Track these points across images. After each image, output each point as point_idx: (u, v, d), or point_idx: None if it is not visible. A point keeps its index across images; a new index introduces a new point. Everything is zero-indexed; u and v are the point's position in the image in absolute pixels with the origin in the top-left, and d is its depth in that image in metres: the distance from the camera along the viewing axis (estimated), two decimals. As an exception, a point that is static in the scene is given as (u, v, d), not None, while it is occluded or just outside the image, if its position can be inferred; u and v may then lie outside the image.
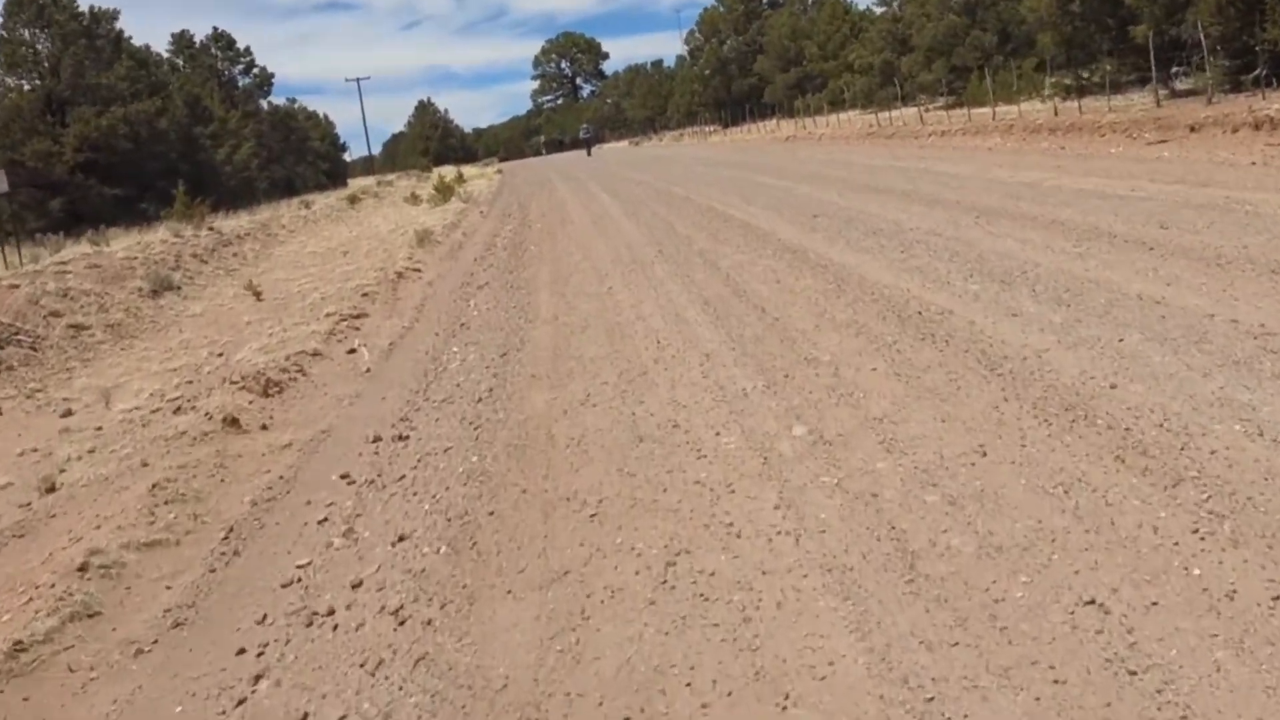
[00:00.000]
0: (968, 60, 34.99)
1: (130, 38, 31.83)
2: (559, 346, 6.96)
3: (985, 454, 3.66)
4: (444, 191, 26.91)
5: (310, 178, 55.65)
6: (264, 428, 7.06)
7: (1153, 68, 20.32)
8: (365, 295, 12.09)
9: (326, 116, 75.54)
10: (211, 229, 21.30)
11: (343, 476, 5.47)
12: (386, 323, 10.61)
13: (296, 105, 66.27)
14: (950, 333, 5.38)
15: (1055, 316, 5.31)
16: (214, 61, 39.66)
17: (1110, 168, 11.43)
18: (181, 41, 39.06)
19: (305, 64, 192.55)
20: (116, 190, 29.39)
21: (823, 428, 4.26)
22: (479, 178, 44.99)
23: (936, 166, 14.39)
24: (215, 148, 32.01)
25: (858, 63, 45.84)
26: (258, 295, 13.49)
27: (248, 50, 40.94)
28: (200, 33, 39.75)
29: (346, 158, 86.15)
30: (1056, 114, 23.23)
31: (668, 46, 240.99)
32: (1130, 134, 17.99)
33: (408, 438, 6.03)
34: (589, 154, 63.20)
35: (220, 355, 10.04)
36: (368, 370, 8.38)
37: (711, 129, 65.41)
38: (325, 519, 4.79)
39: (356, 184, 57.20)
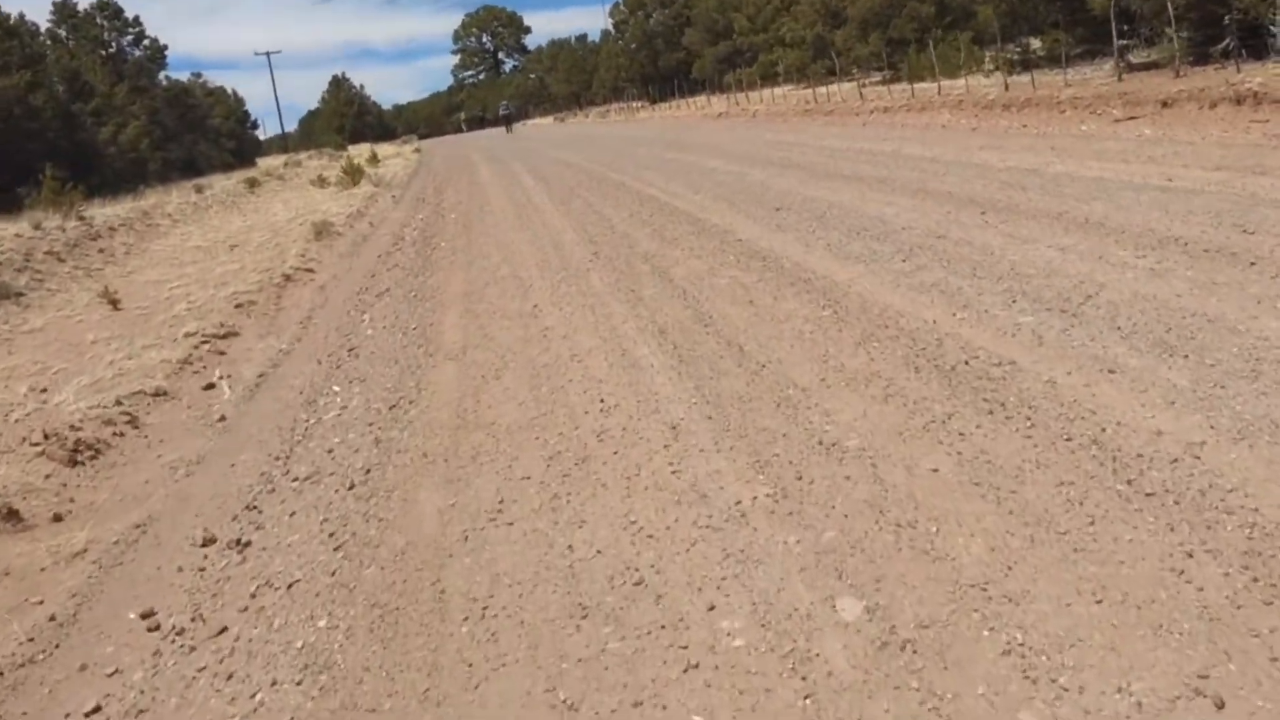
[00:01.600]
0: (905, 33, 33.66)
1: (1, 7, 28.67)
2: (465, 403, 5.13)
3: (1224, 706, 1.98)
4: (353, 174, 24.64)
5: (215, 157, 52.30)
6: (56, 518, 5.13)
7: (1113, 39, 19.06)
8: (241, 306, 10.10)
9: (235, 92, 71.73)
10: (82, 219, 18.78)
11: (145, 615, 3.65)
12: (261, 344, 8.66)
13: (200, 80, 62.63)
14: (1027, 400, 3.71)
15: (1178, 376, 3.68)
16: (99, 32, 36.34)
17: (1113, 150, 9.93)
18: (64, 11, 35.59)
19: (217, 37, 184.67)
20: (-17, 174, 26.38)
21: (888, 605, 2.55)
22: (395, 157, 42.45)
23: (906, 149, 12.79)
24: (99, 126, 29.08)
25: (789, 36, 44.35)
26: (115, 304, 11.30)
27: (137, 20, 37.68)
28: (86, 1, 36.47)
29: (260, 135, 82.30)
30: (1007, 89, 21.92)
31: (591, 21, 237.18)
32: (1094, 110, 16.68)
33: (248, 545, 4.21)
34: (509, 130, 62.14)
35: (43, 392, 7.95)
36: (222, 418, 6.47)
37: (639, 105, 63.48)
38: (97, 709, 3.00)
39: (266, 164, 53.95)
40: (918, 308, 5.18)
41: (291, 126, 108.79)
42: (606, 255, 8.56)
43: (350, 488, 4.50)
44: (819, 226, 8.09)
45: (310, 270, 12.44)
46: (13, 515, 5.00)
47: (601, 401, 4.64)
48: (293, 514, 4.45)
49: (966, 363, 4.22)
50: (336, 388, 6.52)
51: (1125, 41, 25.12)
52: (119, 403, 6.91)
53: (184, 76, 59.07)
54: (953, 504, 3.02)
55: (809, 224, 8.30)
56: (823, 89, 33.71)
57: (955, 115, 20.77)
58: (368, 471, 4.61)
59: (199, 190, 25.24)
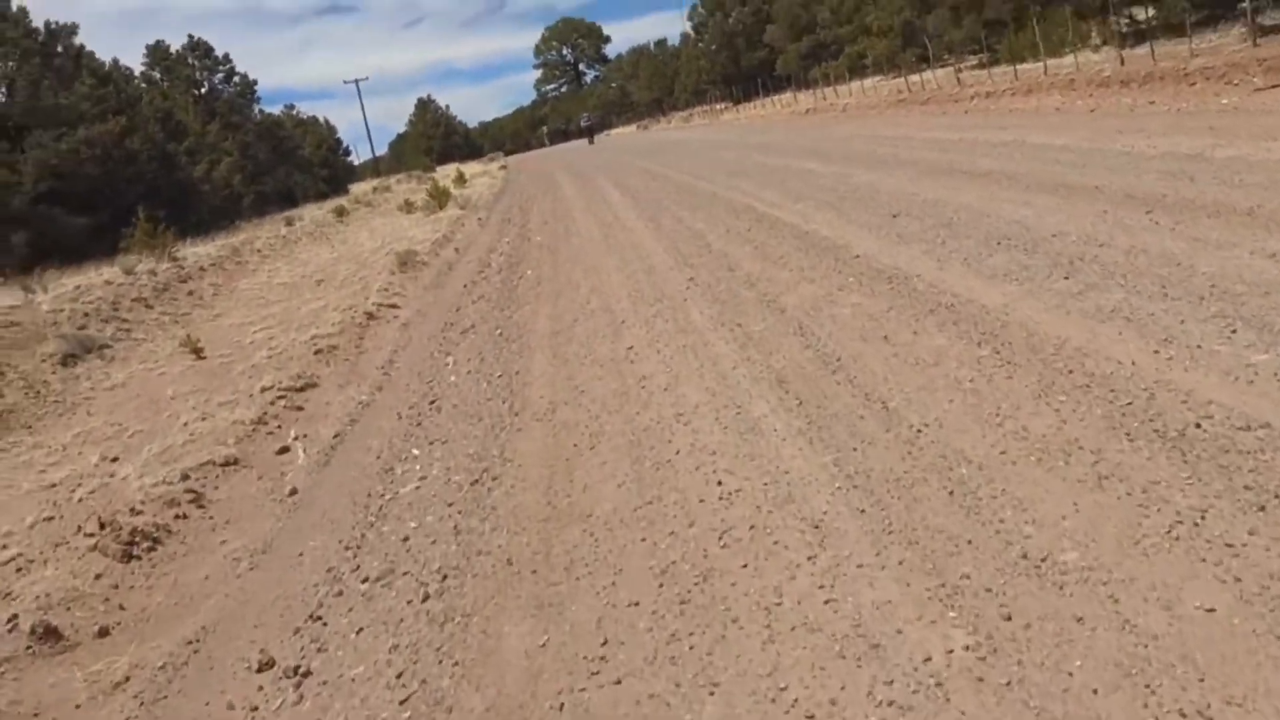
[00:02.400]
0: (1001, 13, 31.93)
1: (93, 52, 29.37)
2: (556, 482, 4.33)
3: None
4: (438, 198, 24.33)
5: (310, 186, 53.24)
6: (102, 633, 4.52)
7: (1246, -1, 17.35)
8: (321, 352, 9.57)
9: (327, 121, 73.36)
10: (174, 259, 18.82)
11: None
12: (340, 395, 8.06)
13: (293, 112, 64.02)
14: (1309, 488, 2.70)
15: None
16: (191, 72, 37.11)
17: None
18: (156, 54, 36.48)
19: (309, 70, 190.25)
20: (86, 219, 26.98)
21: None
22: (481, 175, 42.41)
23: (1029, 137, 11.57)
24: (193, 165, 29.53)
25: (876, 25, 42.78)
26: (198, 353, 10.92)
27: (226, 58, 38.38)
28: (178, 43, 37.24)
29: (355, 160, 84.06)
30: (1123, 63, 20.29)
31: (669, 28, 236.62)
32: (1230, 80, 15.12)
33: (307, 675, 3.48)
34: (591, 142, 62.57)
35: (113, 461, 7.47)
36: (293, 491, 5.83)
37: (722, 106, 62.45)
38: None
39: (358, 189, 54.75)
40: (1104, 343, 4.16)
41: (383, 150, 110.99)
42: (704, 281, 7.69)
43: (425, 600, 3.74)
44: (948, 235, 7.06)
45: (394, 305, 11.92)
46: (51, 634, 4.39)
47: (719, 484, 3.77)
48: (359, 631, 3.72)
49: (1198, 425, 3.22)
50: (416, 450, 5.82)
51: (1253, 2, 23.20)
52: (185, 477, 6.34)
53: (277, 110, 60.45)
54: (1257, 677, 2.06)
55: (935, 233, 7.27)
56: (915, 77, 32.18)
57: (1066, 96, 19.31)
58: (444, 578, 3.84)
59: (289, 223, 25.29)
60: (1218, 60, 16.77)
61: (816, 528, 3.23)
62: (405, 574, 4.11)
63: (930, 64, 35.42)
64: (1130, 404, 3.52)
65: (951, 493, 3.21)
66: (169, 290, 15.64)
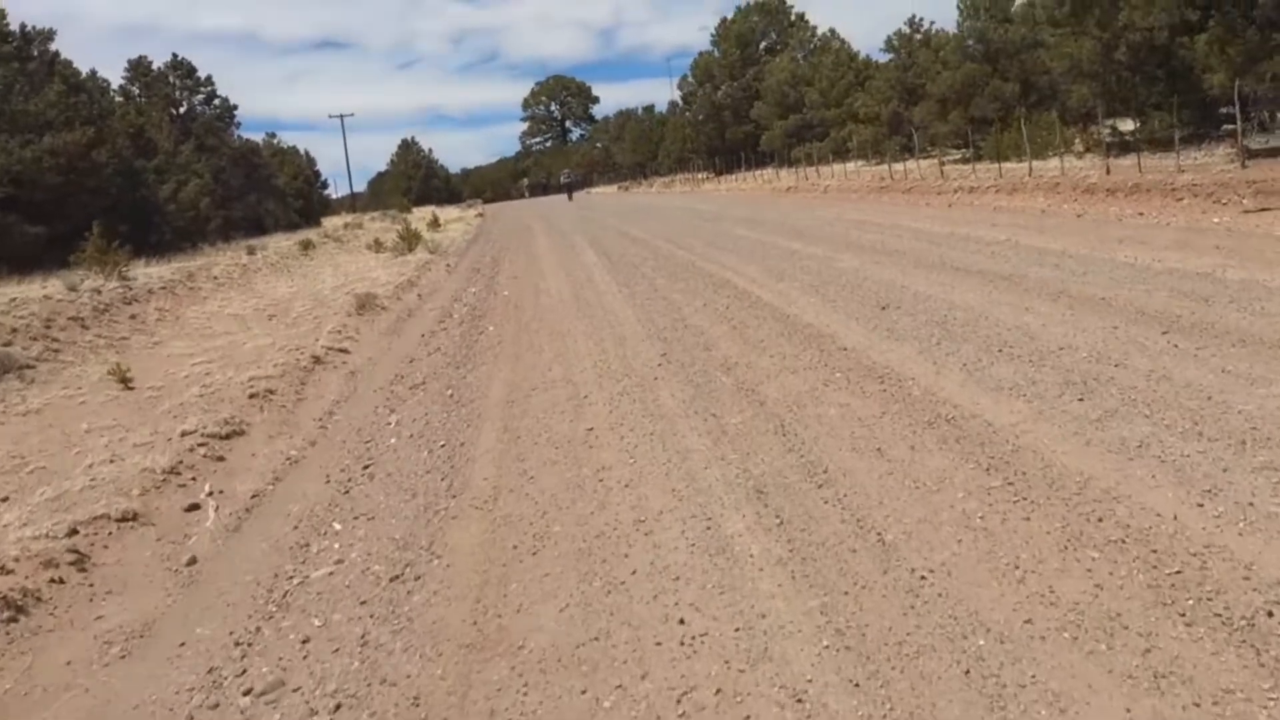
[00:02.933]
0: (987, 111, 32.28)
1: (70, 60, 28.64)
2: (486, 597, 3.65)
3: None
4: (409, 240, 23.72)
5: (282, 216, 52.40)
6: (-81, 737, 3.74)
7: (1238, 121, 17.38)
8: (257, 396, 8.82)
9: (307, 152, 72.67)
10: (124, 279, 17.97)
11: None
12: (268, 448, 7.33)
13: (273, 140, 63.38)
14: None
15: None
16: (170, 90, 36.44)
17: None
18: (138, 69, 35.81)
19: (298, 101, 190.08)
20: (42, 228, 26.00)
21: None
22: (457, 221, 41.95)
23: (1022, 237, 11.20)
24: (161, 183, 28.70)
25: (863, 111, 43.23)
26: (126, 383, 10.10)
27: (209, 80, 37.72)
28: (161, 60, 36.61)
29: (332, 194, 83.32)
30: (1109, 172, 20.28)
31: (658, 94, 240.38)
32: (1218, 199, 14.99)
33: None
34: (570, 198, 62.78)
35: (2, 502, 6.67)
36: (191, 561, 5.11)
37: (704, 176, 62.76)
38: None
39: (331, 223, 54.00)
40: (1137, 487, 3.60)
41: (363, 186, 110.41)
42: (678, 359, 7.10)
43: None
44: (944, 336, 6.53)
45: (344, 350, 11.22)
46: None
47: (681, 622, 3.12)
48: (225, 772, 2.99)
49: (1270, 614, 2.63)
50: (338, 525, 5.12)
51: (1234, 126, 23.47)
52: (73, 531, 5.56)
53: (259, 137, 59.78)
54: None
55: (930, 331, 6.75)
56: (898, 166, 32.28)
57: (1052, 199, 19.21)
58: (337, 708, 3.13)
59: (251, 251, 24.52)
60: (1205, 178, 16.69)
61: (800, 702, 2.58)
62: (296, 690, 3.41)
63: (914, 154, 35.69)
64: (1179, 573, 2.93)
65: (968, 672, 2.59)
66: (110, 311, 14.79)
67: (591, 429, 5.65)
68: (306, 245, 25.79)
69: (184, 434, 7.62)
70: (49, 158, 25.18)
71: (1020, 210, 17.67)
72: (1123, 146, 25.83)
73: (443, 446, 6.19)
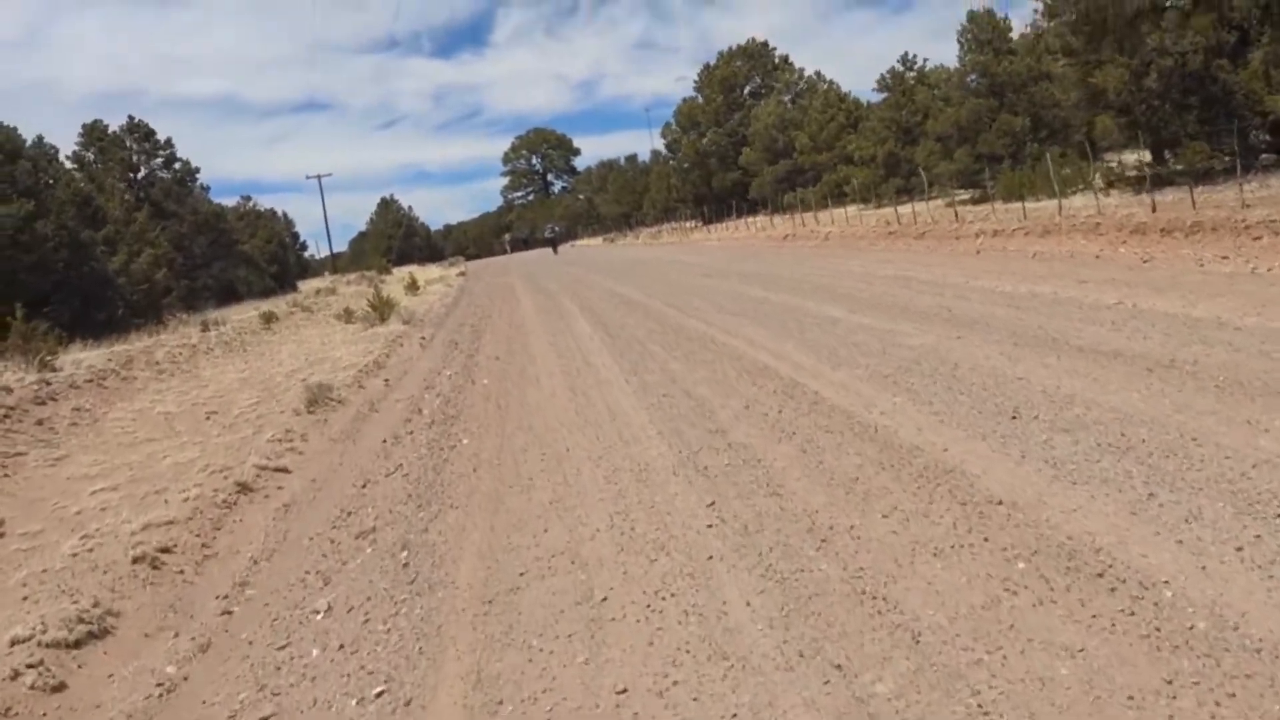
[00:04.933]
0: (996, 148, 30.40)
1: (15, 127, 26.44)
2: None
3: None
4: (380, 310, 21.42)
5: (255, 282, 50.24)
6: None
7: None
8: (143, 560, 6.44)
9: (285, 214, 70.89)
10: (48, 369, 15.58)
11: None
12: (132, 666, 4.98)
13: (251, 204, 61.45)
14: None
15: None
16: (127, 155, 34.18)
17: None
18: (92, 133, 33.56)
19: (279, 163, 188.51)
20: (-25, 310, 23.48)
21: None
22: (438, 281, 39.73)
23: (1132, 298, 8.93)
24: (111, 255, 26.41)
25: (858, 154, 41.47)
26: (-11, 531, 7.72)
27: (169, 142, 35.45)
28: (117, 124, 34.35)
29: (315, 255, 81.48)
30: (1155, 209, 18.17)
31: (638, 144, 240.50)
32: (1303, 237, 12.91)
33: None
34: (555, 252, 61.69)
35: None
36: None
37: (692, 225, 60.95)
38: None
39: (310, 286, 51.77)
40: None
41: (346, 246, 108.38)
42: (736, 515, 4.75)
43: None
44: (1151, 477, 4.22)
45: (283, 469, 8.85)
46: None
47: None
48: None
49: None
50: None
51: (1276, 155, 21.60)
52: None
53: (232, 201, 57.76)
54: None
55: (1120, 467, 4.44)
56: (905, 209, 30.27)
57: (1097, 242, 17.08)
58: None
59: (205, 328, 22.12)
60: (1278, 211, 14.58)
61: None
62: None
63: (914, 196, 33.84)
64: None
65: None
66: (13, 416, 12.35)
67: (625, 691, 3.28)
68: (269, 318, 23.45)
69: (13, 643, 5.21)
70: (-20, 232, 22.88)
71: (1069, 256, 15.52)
72: (1154, 181, 23.91)
73: (379, 694, 3.80)
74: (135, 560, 6.36)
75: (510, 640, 3.87)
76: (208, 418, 12.40)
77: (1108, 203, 22.08)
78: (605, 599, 4.08)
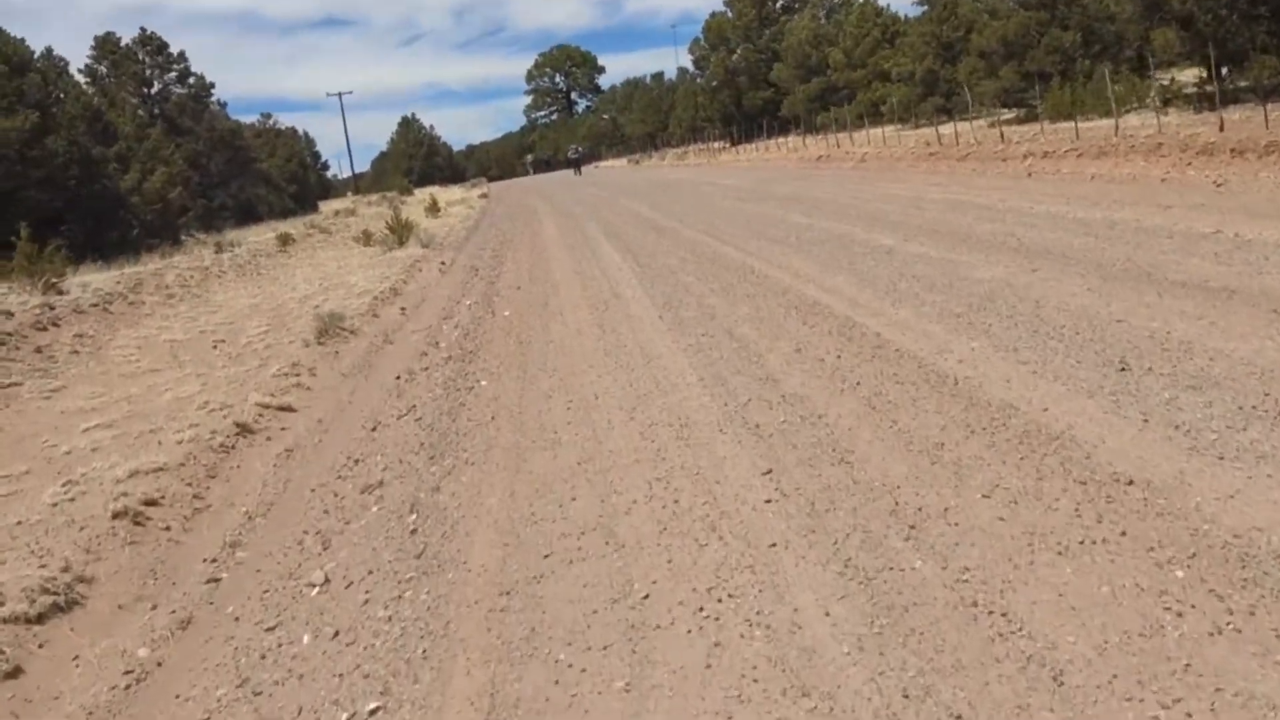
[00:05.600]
0: (1044, 65, 28.76)
1: (23, 39, 25.43)
2: None
3: None
4: (398, 232, 20.60)
5: (275, 202, 49.39)
6: None
7: None
8: (121, 515, 5.79)
9: (306, 133, 69.67)
10: (54, 290, 14.99)
11: None
12: (100, 647, 4.35)
13: (271, 121, 60.25)
14: None
15: None
16: (140, 69, 33.04)
17: None
18: (105, 46, 32.37)
19: (300, 81, 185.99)
20: (-18, 229, 22.87)
21: None
22: (459, 204, 38.74)
23: (1223, 225, 7.98)
24: (123, 173, 25.60)
25: (895, 71, 39.70)
26: (-32, 474, 7.12)
27: (181, 56, 34.23)
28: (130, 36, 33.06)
29: (336, 175, 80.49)
30: (1223, 128, 16.89)
31: (664, 63, 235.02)
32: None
33: None
34: (577, 173, 60.79)
35: None
36: None
37: (719, 146, 59.26)
38: None
39: (329, 207, 50.87)
40: None
41: (369, 166, 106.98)
42: (799, 486, 4.00)
43: None
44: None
45: (287, 408, 8.19)
46: None
47: None
48: None
49: None
50: None
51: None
52: None
53: (253, 119, 56.61)
54: None
55: (1261, 432, 3.64)
56: (944, 129, 28.85)
57: (1159, 164, 15.93)
58: None
59: (219, 250, 21.39)
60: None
61: None
62: None
63: (952, 116, 32.36)
64: None
65: None
66: (12, 343, 11.72)
67: (656, 687, 2.57)
68: (285, 241, 22.67)
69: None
70: (-16, 148, 22.10)
71: (1133, 180, 14.41)
72: (1213, 99, 22.51)
73: (373, 712, 3.11)
74: (116, 515, 5.70)
75: (533, 650, 3.16)
76: (214, 346, 11.77)
77: (1166, 121, 20.72)
78: (647, 596, 3.35)
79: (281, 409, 8.18)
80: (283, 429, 7.62)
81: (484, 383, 7.27)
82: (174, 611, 4.49)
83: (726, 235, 13.02)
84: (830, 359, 5.86)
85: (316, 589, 4.39)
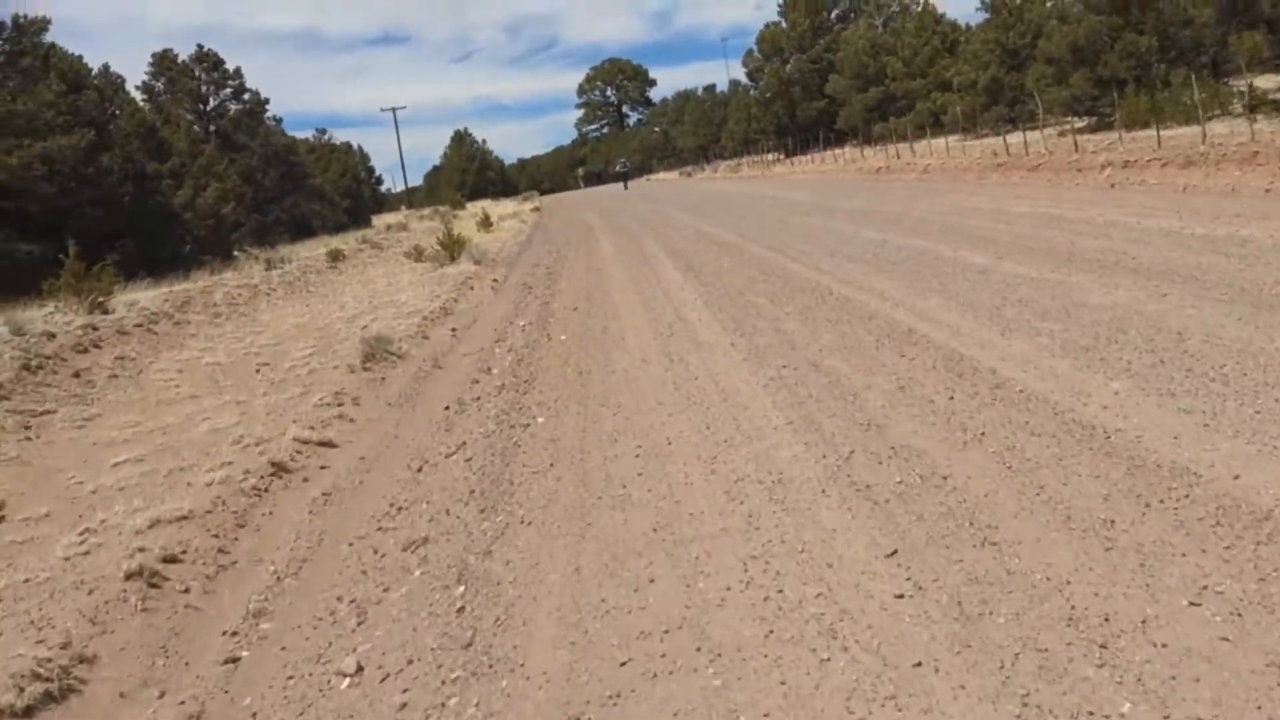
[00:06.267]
0: (1118, 70, 27.52)
1: (81, 56, 25.45)
2: None
3: None
4: (450, 249, 20.07)
5: (329, 217, 49.55)
6: None
7: None
8: (135, 576, 5.18)
9: (360, 148, 70.10)
10: (100, 309, 14.64)
11: None
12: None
13: (326, 137, 60.71)
14: None
15: None
16: (196, 85, 33.16)
17: None
18: (162, 63, 32.58)
19: (356, 97, 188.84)
20: (38, 246, 22.92)
21: None
22: (511, 218, 38.33)
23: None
24: (176, 189, 25.49)
25: (957, 80, 38.55)
26: (-13, 516, 6.58)
27: (237, 72, 34.32)
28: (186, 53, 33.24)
29: (390, 189, 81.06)
30: (1326, 136, 15.68)
31: (715, 76, 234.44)
32: None
33: None
34: (625, 187, 60.74)
35: None
36: None
37: (773, 158, 58.37)
38: None
39: (382, 220, 50.91)
40: None
41: (422, 180, 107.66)
42: (942, 578, 3.20)
43: None
44: None
45: (328, 444, 7.55)
46: None
47: None
48: None
49: None
50: None
51: None
52: None
53: (308, 134, 57.03)
54: None
55: None
56: (1014, 140, 27.70)
57: (1254, 174, 14.84)
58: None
59: (269, 266, 21.04)
60: None
61: None
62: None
63: (1017, 125, 31.20)
64: None
65: None
66: (50, 366, 11.29)
67: None
68: (335, 256, 22.28)
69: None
70: (40, 164, 21.98)
71: (1233, 192, 13.34)
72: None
73: None
74: (130, 576, 5.05)
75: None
76: (257, 370, 11.25)
77: (1258, 129, 19.49)
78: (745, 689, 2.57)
79: (322, 444, 7.57)
80: (322, 468, 6.99)
81: (540, 419, 6.56)
82: (183, 702, 3.84)
83: (794, 252, 12.20)
84: (941, 401, 5.04)
85: (347, 680, 3.70)
